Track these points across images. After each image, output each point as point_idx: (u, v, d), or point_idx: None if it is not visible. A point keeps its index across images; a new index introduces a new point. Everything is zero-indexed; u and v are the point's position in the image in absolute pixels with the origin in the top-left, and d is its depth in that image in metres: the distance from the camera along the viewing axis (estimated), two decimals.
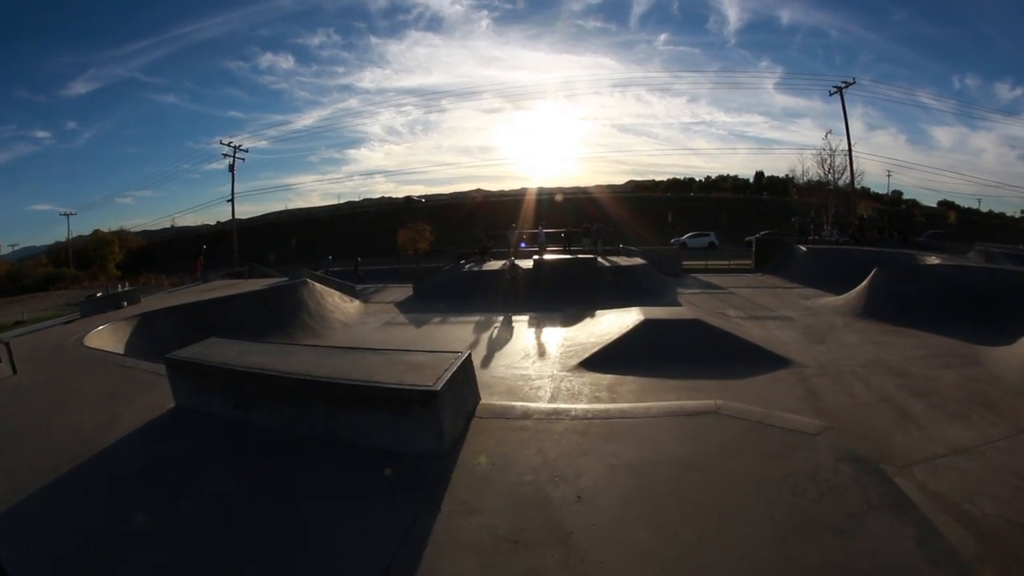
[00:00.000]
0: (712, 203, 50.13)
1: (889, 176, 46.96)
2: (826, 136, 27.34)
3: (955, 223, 29.76)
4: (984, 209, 42.11)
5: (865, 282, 12.48)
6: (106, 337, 8.94)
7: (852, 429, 5.82)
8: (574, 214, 33.52)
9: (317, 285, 14.08)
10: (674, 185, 63.93)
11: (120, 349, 8.67)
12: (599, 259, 17.67)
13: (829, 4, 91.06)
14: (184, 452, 4.09)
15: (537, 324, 11.66)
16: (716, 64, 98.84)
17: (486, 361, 8.82)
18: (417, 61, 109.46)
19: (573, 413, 4.27)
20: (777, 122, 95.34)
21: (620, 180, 68.17)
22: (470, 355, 4.43)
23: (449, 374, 3.81)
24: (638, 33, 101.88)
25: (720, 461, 3.44)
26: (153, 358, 6.54)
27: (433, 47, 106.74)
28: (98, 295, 13.21)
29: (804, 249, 19.54)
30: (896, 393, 6.88)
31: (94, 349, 7.95)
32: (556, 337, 10.08)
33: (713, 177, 62.99)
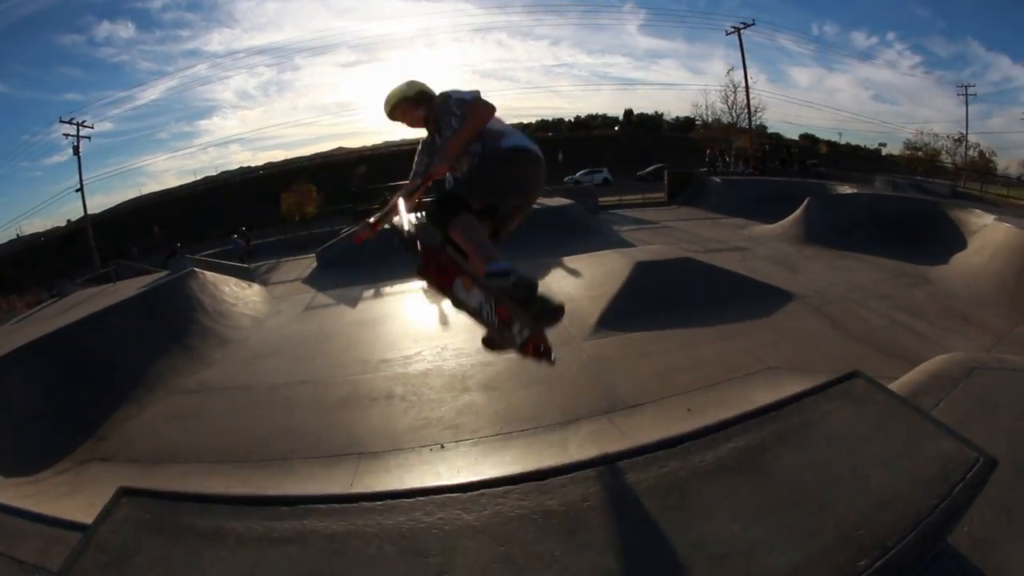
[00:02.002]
0: (595, 141, 52.74)
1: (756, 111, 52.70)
2: (728, 73, 29.79)
3: (826, 154, 34.61)
4: (842, 142, 49.71)
5: (799, 211, 14.14)
6: None
7: (891, 351, 6.61)
8: None
9: (207, 274, 11.99)
10: (543, 126, 66.49)
11: None
12: None
13: None
14: None
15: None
16: (580, 6, 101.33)
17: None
18: (267, 17, 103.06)
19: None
20: (640, 62, 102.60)
21: None
22: None
23: None
24: None
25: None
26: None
27: (284, 1, 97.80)
28: None
29: (719, 180, 21.42)
30: (894, 314, 8.05)
31: None
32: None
33: (583, 117, 65.96)
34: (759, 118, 33.62)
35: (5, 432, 5.71)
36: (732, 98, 31.68)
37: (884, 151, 45.48)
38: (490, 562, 1.78)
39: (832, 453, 2.21)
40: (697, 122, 34.71)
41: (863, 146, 49.70)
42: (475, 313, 2.50)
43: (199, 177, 61.63)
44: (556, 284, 10.36)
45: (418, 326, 9.09)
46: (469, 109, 2.66)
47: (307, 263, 16.53)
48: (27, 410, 6.22)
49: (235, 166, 67.28)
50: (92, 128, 31.13)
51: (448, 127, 2.76)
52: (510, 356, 3.48)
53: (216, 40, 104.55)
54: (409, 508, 2.01)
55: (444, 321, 8.81)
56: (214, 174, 62.25)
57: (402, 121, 3.12)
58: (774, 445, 2.26)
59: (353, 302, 11.46)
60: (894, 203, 13.72)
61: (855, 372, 2.55)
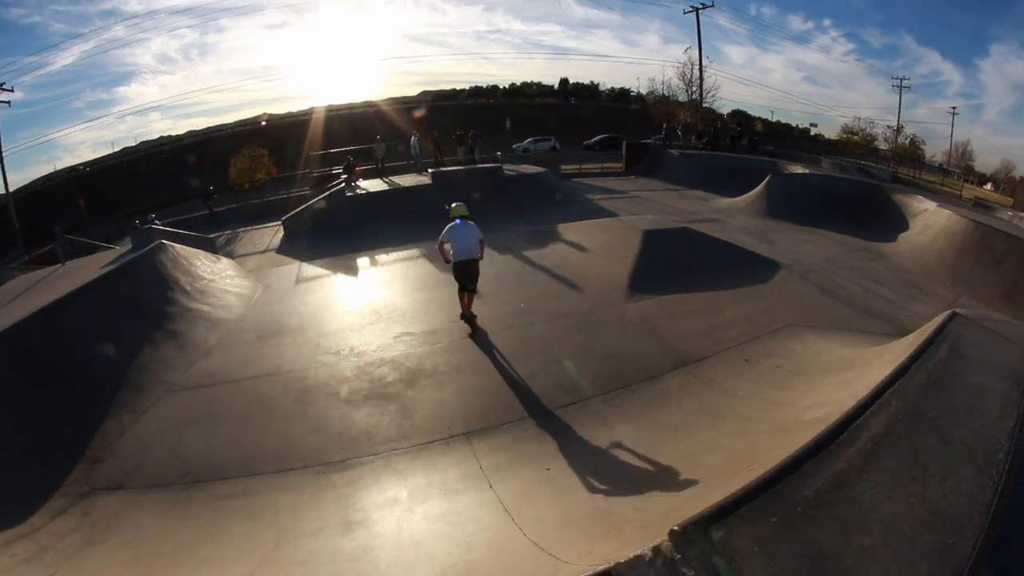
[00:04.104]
0: (537, 108, 53.81)
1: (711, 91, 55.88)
2: (686, 51, 31.74)
3: (762, 131, 38.02)
4: (773, 120, 54.33)
5: (761, 187, 16.27)
6: None
7: (872, 313, 8.47)
8: (385, 128, 33.71)
9: (177, 247, 11.00)
10: (477, 92, 66.58)
11: None
12: (504, 168, 18.29)
13: None
14: None
15: (507, 249, 11.95)
16: None
17: (533, 302, 8.93)
18: None
19: None
20: (574, 31, 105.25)
21: (413, 91, 70.65)
22: None
23: None
24: None
25: None
26: None
27: None
28: None
29: (676, 154, 23.29)
30: (863, 283, 10.11)
31: None
32: (557, 262, 10.77)
33: (518, 84, 66.74)
34: (714, 97, 36.79)
35: None
36: (690, 75, 34.53)
37: (814, 131, 50.66)
38: None
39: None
40: (655, 94, 36.97)
41: (795, 125, 54.85)
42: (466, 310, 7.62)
43: (117, 148, 57.22)
44: (567, 251, 11.51)
45: (430, 293, 9.55)
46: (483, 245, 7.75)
47: (270, 233, 16.21)
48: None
49: (155, 135, 62.95)
50: (12, 92, 27.36)
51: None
52: None
53: None
54: None
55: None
56: (133, 144, 57.83)
57: None
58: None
59: (345, 272, 11.57)
60: (844, 184, 16.18)
61: (953, 315, 3.98)
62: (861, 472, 2.45)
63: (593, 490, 4.23)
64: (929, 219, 12.38)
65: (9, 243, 25.61)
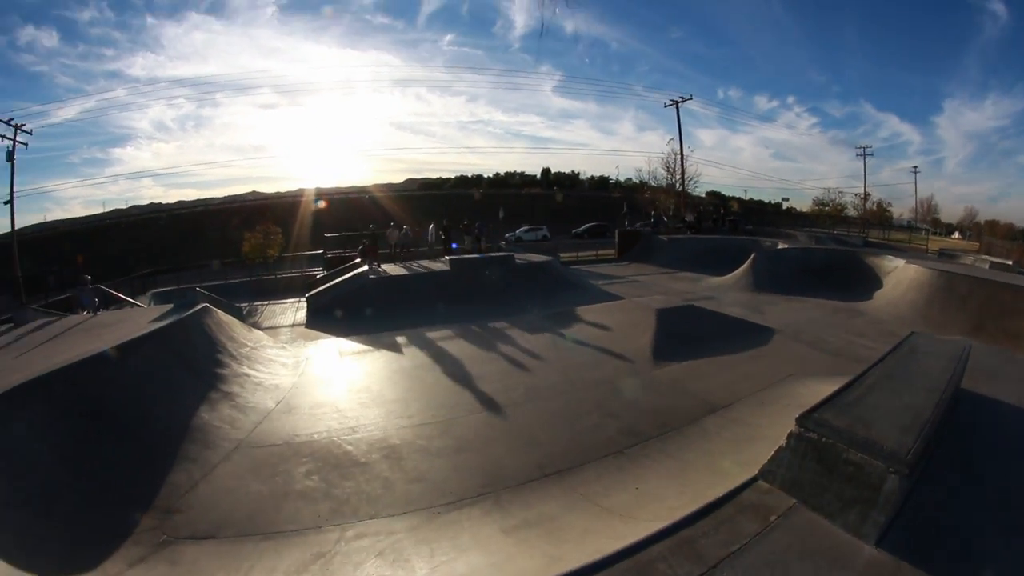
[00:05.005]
0: (525, 198, 57.78)
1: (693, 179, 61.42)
2: (668, 143, 35.69)
3: (739, 211, 41.78)
4: (747, 198, 59.56)
5: (747, 264, 18.63)
6: None
7: (857, 359, 10.29)
8: (379, 215, 36.59)
9: (219, 312, 11.90)
10: (463, 182, 71.24)
11: None
12: (515, 256, 20.42)
13: (613, 19, 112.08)
14: None
15: (537, 329, 13.61)
16: (499, 66, 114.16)
17: (574, 371, 10.65)
18: (194, 48, 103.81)
19: None
20: (553, 122, 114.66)
21: (398, 179, 77.61)
22: None
23: None
24: (424, 32, 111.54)
25: None
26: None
27: (213, 33, 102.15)
28: None
29: (665, 239, 25.96)
30: (847, 336, 12.03)
31: None
32: (585, 339, 12.57)
33: (502, 173, 72.21)
34: (696, 184, 41.08)
35: (9, 508, 4.54)
36: (673, 165, 38.63)
37: (786, 205, 55.44)
38: None
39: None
40: (643, 183, 40.59)
41: (768, 201, 59.96)
42: None
43: (108, 209, 60.66)
44: (591, 330, 13.34)
45: (480, 368, 10.62)
46: None
47: (290, 307, 17.40)
48: (38, 471, 5.11)
49: (146, 200, 68.11)
50: (31, 134, 28.61)
51: None
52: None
53: (139, 64, 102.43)
54: None
55: (532, 364, 10.96)
56: (124, 207, 61.87)
57: None
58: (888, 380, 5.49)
59: (387, 347, 12.46)
60: (820, 254, 18.69)
61: (912, 332, 5.94)
62: (867, 395, 4.86)
63: (682, 492, 5.72)
64: (899, 275, 14.66)
65: (3, 285, 25.36)
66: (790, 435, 4.29)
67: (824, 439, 4.05)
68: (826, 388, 8.67)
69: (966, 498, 4.05)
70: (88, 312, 13.20)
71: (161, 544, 4.84)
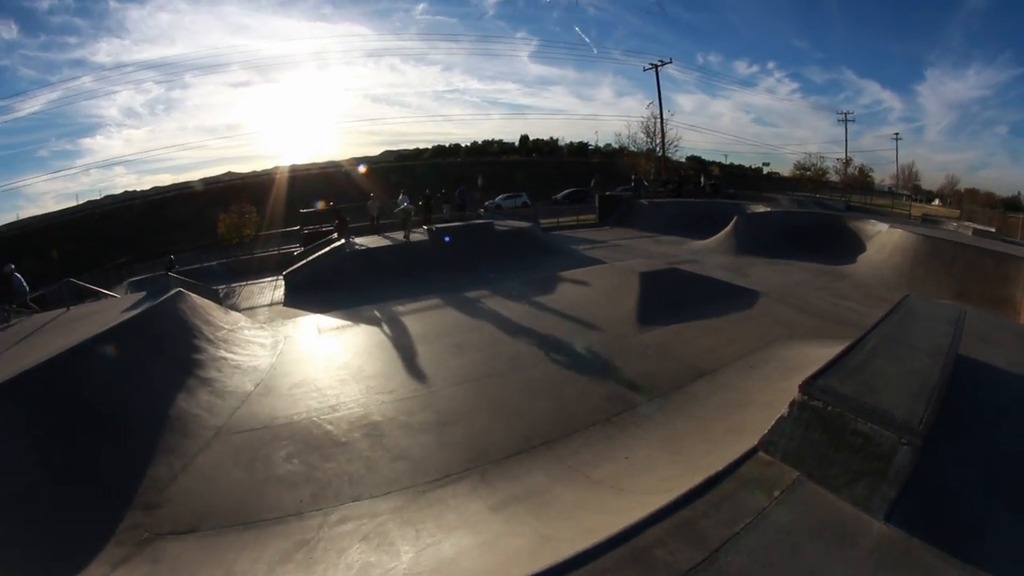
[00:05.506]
0: (504, 166, 57.07)
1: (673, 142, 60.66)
2: (648, 107, 35.00)
3: (720, 175, 41.54)
4: (727, 163, 59.36)
5: (730, 228, 18.44)
6: None
7: (843, 322, 10.23)
8: (356, 188, 35.80)
9: (194, 296, 11.35)
10: (441, 152, 70.47)
11: None
12: (495, 223, 20.01)
13: None
14: None
15: (521, 296, 13.24)
16: (474, 33, 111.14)
17: (562, 337, 10.41)
18: (160, 29, 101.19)
19: None
20: (530, 89, 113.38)
21: (375, 151, 75.46)
22: None
23: None
24: (396, 1, 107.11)
25: None
26: None
27: (179, 12, 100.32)
28: None
29: (646, 203, 25.67)
30: (832, 300, 11.92)
31: None
32: (569, 304, 12.25)
33: (480, 142, 72.27)
34: (676, 148, 40.63)
35: None
36: (653, 129, 38.16)
37: (767, 170, 55.49)
38: None
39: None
40: (623, 148, 40.08)
41: (749, 166, 59.92)
42: None
43: (82, 201, 58.54)
44: (575, 293, 13.06)
45: (459, 337, 10.41)
46: None
47: (267, 287, 16.95)
48: (18, 475, 4.99)
49: (119, 190, 65.36)
50: None
51: None
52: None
53: (104, 50, 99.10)
54: None
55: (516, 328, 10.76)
56: (98, 198, 59.42)
57: None
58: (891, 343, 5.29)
59: (367, 321, 12.09)
60: (803, 217, 18.55)
61: (907, 295, 5.75)
62: (871, 359, 4.61)
63: (673, 461, 5.53)
64: (883, 239, 14.59)
65: None
66: (792, 403, 4.02)
67: (830, 408, 3.79)
68: (814, 351, 8.71)
69: (974, 468, 3.87)
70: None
71: (143, 542, 4.66)
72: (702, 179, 31.02)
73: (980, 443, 4.12)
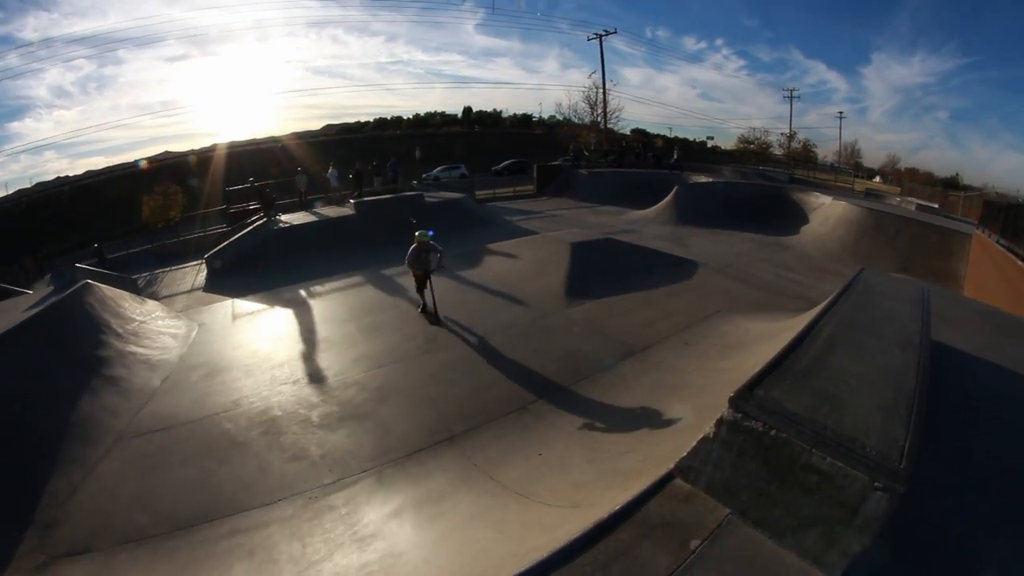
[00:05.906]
0: (444, 138, 55.36)
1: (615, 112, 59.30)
2: (590, 76, 33.54)
3: (663, 147, 40.81)
4: (671, 135, 58.79)
5: (670, 197, 17.54)
6: None
7: (788, 294, 9.41)
8: (291, 162, 33.86)
9: (103, 287, 10.32)
10: (382, 124, 68.26)
11: None
12: (424, 195, 18.56)
13: None
14: None
15: (446, 270, 11.93)
16: (419, 2, 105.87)
17: (482, 316, 9.19)
18: (90, 1, 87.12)
19: None
20: (475, 60, 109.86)
21: (316, 125, 72.44)
22: None
23: None
24: None
25: None
26: None
27: None
28: None
29: (585, 173, 24.54)
30: (775, 271, 11.18)
31: None
32: (495, 279, 11.02)
33: (423, 114, 70.26)
34: (618, 118, 39.45)
35: None
36: (595, 99, 36.66)
37: (711, 143, 55.32)
38: None
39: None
40: (563, 118, 38.90)
41: (693, 139, 59.74)
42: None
43: (11, 191, 53.04)
44: (502, 266, 11.83)
45: (378, 317, 9.48)
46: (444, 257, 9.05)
47: (191, 272, 15.27)
48: None
49: (51, 175, 60.45)
50: None
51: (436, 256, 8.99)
52: None
53: (31, 25, 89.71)
54: None
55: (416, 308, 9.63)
56: (28, 186, 54.37)
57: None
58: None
59: (284, 303, 11.05)
60: (746, 188, 17.80)
61: (862, 268, 4.70)
62: (828, 355, 3.53)
63: (590, 460, 4.54)
64: (827, 211, 13.95)
65: None
66: (720, 422, 2.83)
67: (773, 432, 2.64)
68: (756, 325, 7.72)
69: (961, 495, 2.84)
70: None
71: (40, 567, 4.24)
72: (644, 150, 30.19)
73: (966, 459, 3.11)
